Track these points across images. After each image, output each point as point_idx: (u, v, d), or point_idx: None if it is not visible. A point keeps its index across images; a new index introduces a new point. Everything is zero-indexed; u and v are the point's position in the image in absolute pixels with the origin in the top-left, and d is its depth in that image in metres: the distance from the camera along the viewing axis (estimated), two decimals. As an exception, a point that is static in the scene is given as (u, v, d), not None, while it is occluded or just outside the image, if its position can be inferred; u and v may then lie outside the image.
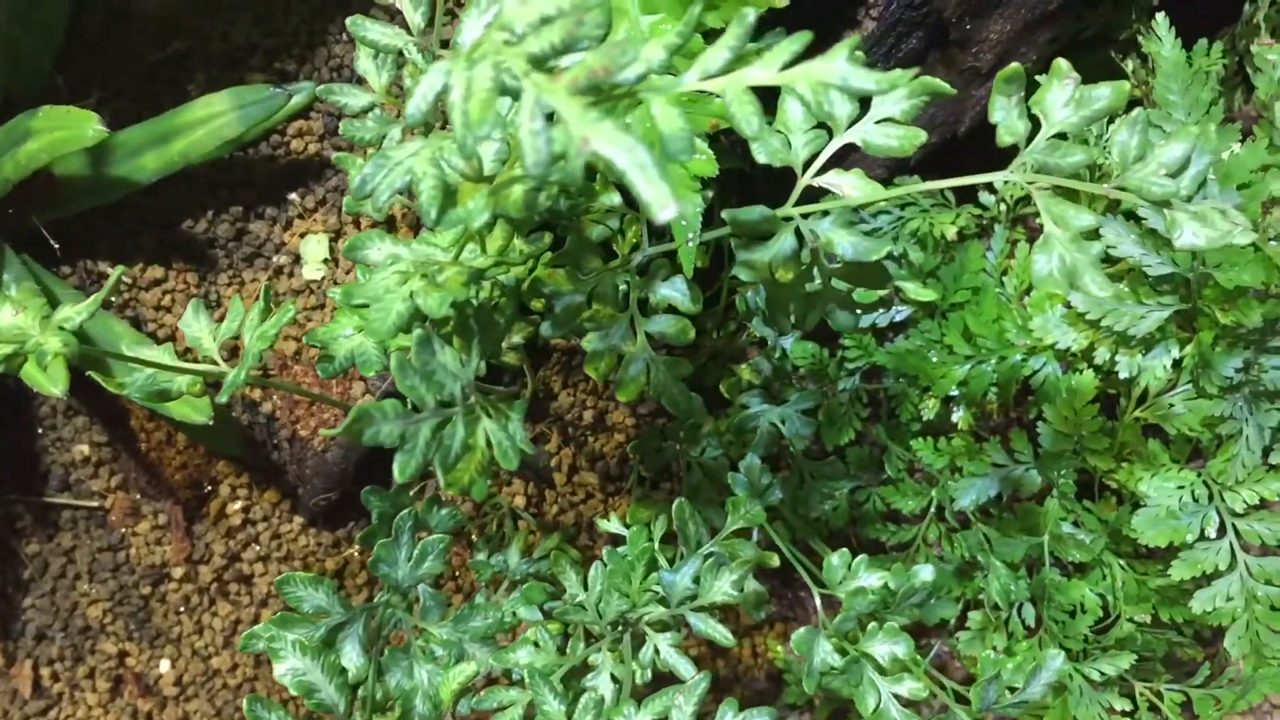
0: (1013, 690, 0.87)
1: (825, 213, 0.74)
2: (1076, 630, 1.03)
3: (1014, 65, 0.69)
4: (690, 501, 1.06)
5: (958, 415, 1.13)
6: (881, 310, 1.13)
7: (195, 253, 1.08)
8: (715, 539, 0.93)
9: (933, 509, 1.12)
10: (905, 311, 1.13)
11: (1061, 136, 0.71)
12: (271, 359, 1.11)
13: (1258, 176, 0.91)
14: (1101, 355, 1.06)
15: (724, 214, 0.72)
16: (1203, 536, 1.01)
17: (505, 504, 1.18)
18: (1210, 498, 1.02)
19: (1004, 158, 1.08)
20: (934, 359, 1.10)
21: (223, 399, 0.73)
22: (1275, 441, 0.99)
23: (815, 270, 0.75)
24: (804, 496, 1.06)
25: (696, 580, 0.91)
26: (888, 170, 1.13)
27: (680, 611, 0.90)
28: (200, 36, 1.09)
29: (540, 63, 0.51)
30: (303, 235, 1.09)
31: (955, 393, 1.12)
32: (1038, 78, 1.06)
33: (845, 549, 0.96)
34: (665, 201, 0.46)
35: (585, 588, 0.94)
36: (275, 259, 1.10)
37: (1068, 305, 1.05)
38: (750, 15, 0.57)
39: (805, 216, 0.74)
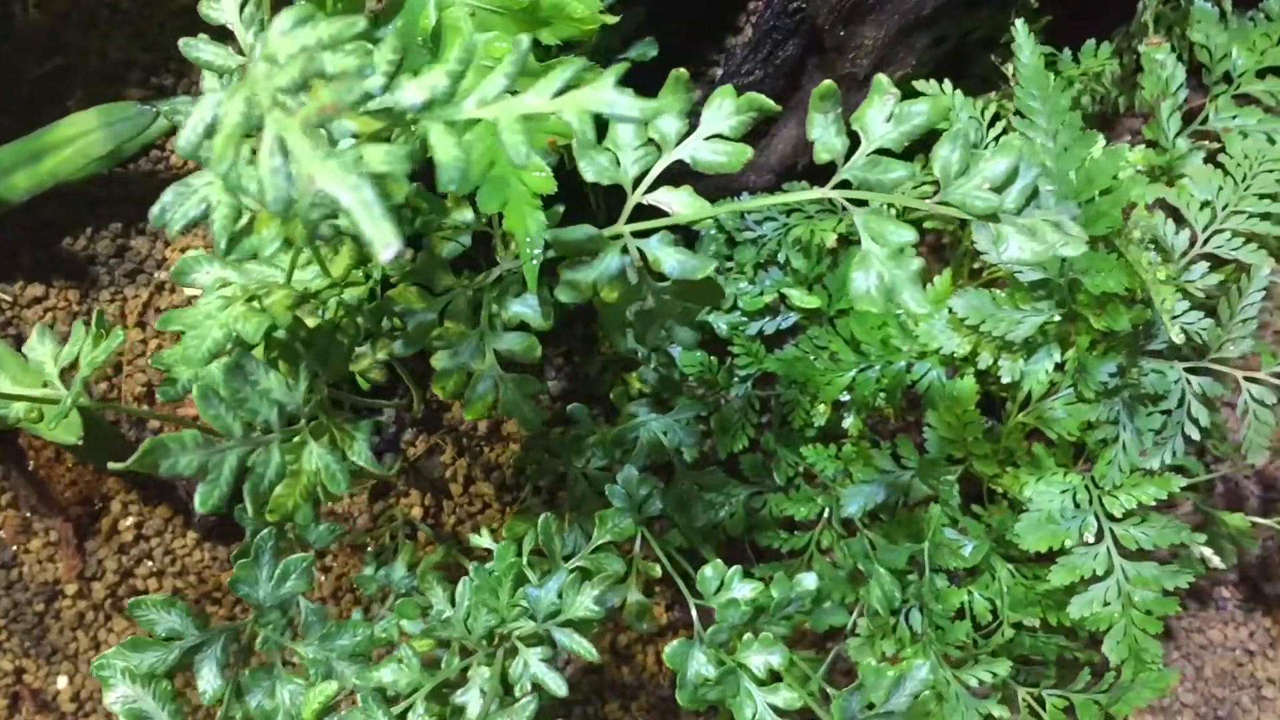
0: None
1: (653, 230, 0.74)
2: (955, 637, 1.03)
3: (827, 83, 0.69)
4: (576, 512, 1.06)
5: (848, 421, 1.12)
6: (769, 317, 1.13)
7: (76, 270, 1.08)
8: (581, 554, 0.93)
9: (826, 515, 1.12)
10: (793, 318, 1.13)
11: (884, 152, 0.71)
12: (159, 377, 1.11)
13: (1118, 182, 0.91)
14: (984, 360, 1.06)
15: (548, 235, 0.72)
16: (1081, 542, 1.01)
17: (400, 515, 1.18)
18: (1090, 502, 1.02)
19: (903, 156, 1.08)
20: (821, 366, 1.10)
21: (52, 427, 0.73)
22: (1154, 445, 0.99)
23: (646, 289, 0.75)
24: (688, 506, 1.06)
25: (561, 595, 0.90)
26: (775, 175, 1.12)
27: (546, 627, 0.90)
28: (79, 53, 1.08)
29: (290, 94, 0.51)
30: (184, 251, 1.08)
31: (846, 398, 1.12)
32: (916, 84, 1.06)
33: (719, 560, 0.96)
34: (387, 240, 0.45)
35: (454, 603, 0.93)
36: (157, 275, 1.09)
37: (951, 310, 1.04)
38: (524, 41, 0.57)
39: (639, 235, 0.74)
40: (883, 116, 0.70)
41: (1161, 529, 1.00)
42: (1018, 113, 0.92)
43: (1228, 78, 1.20)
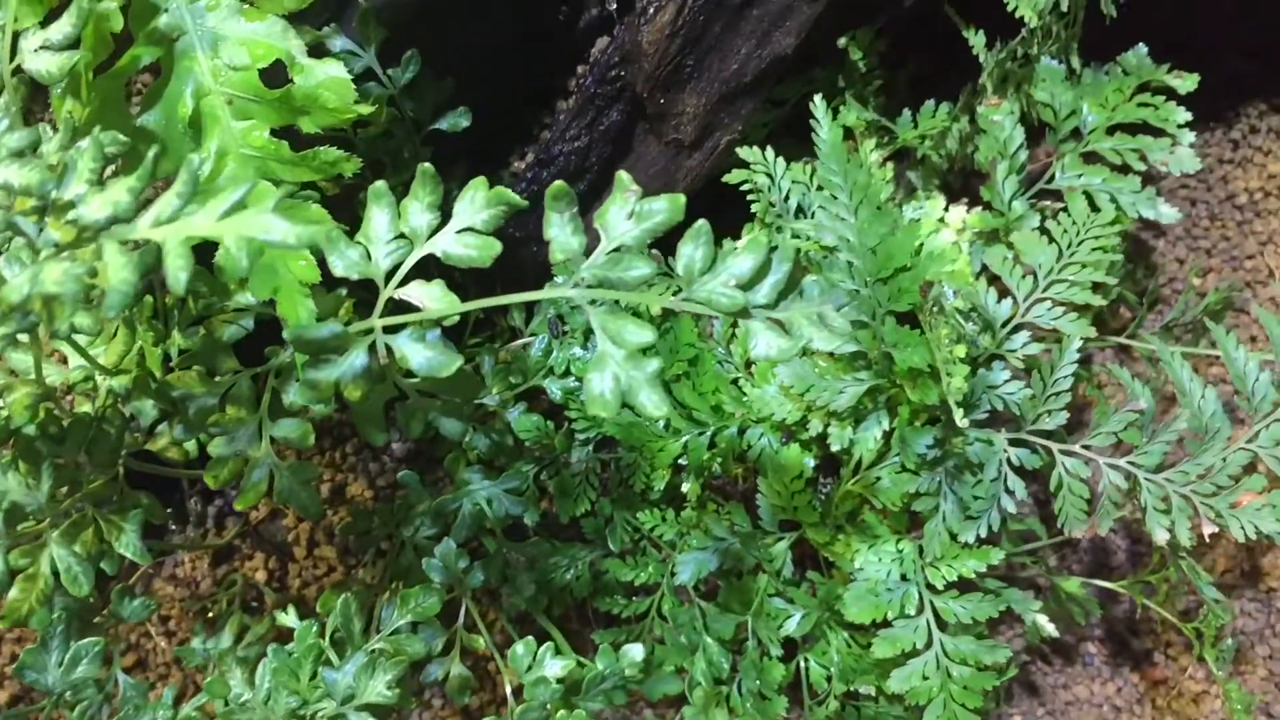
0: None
1: (404, 325, 0.73)
2: (775, 711, 1.02)
3: (559, 184, 0.68)
4: (403, 583, 1.05)
5: (687, 485, 1.11)
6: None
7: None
8: (380, 635, 0.92)
9: (665, 581, 1.11)
10: (627, 383, 1.12)
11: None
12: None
13: (917, 259, 0.90)
14: (815, 427, 1.05)
15: (285, 334, 0.71)
16: (903, 614, 1.00)
17: (242, 580, 1.17)
18: (916, 573, 1.01)
19: (741, 215, 1.07)
20: (655, 431, 1.09)
21: None
22: (966, 519, 0.98)
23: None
24: (514, 576, 1.05)
25: (358, 678, 0.89)
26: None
27: (343, 711, 0.89)
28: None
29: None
30: None
31: (685, 462, 1.11)
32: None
33: (530, 637, 0.95)
34: None
35: (253, 685, 0.92)
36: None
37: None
38: (195, 162, 0.56)
39: (392, 329, 0.73)
40: (624, 215, 0.69)
41: (979, 602, 0.99)
42: (819, 187, 0.92)
43: (1077, 135, 1.19)
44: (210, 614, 1.16)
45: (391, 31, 0.92)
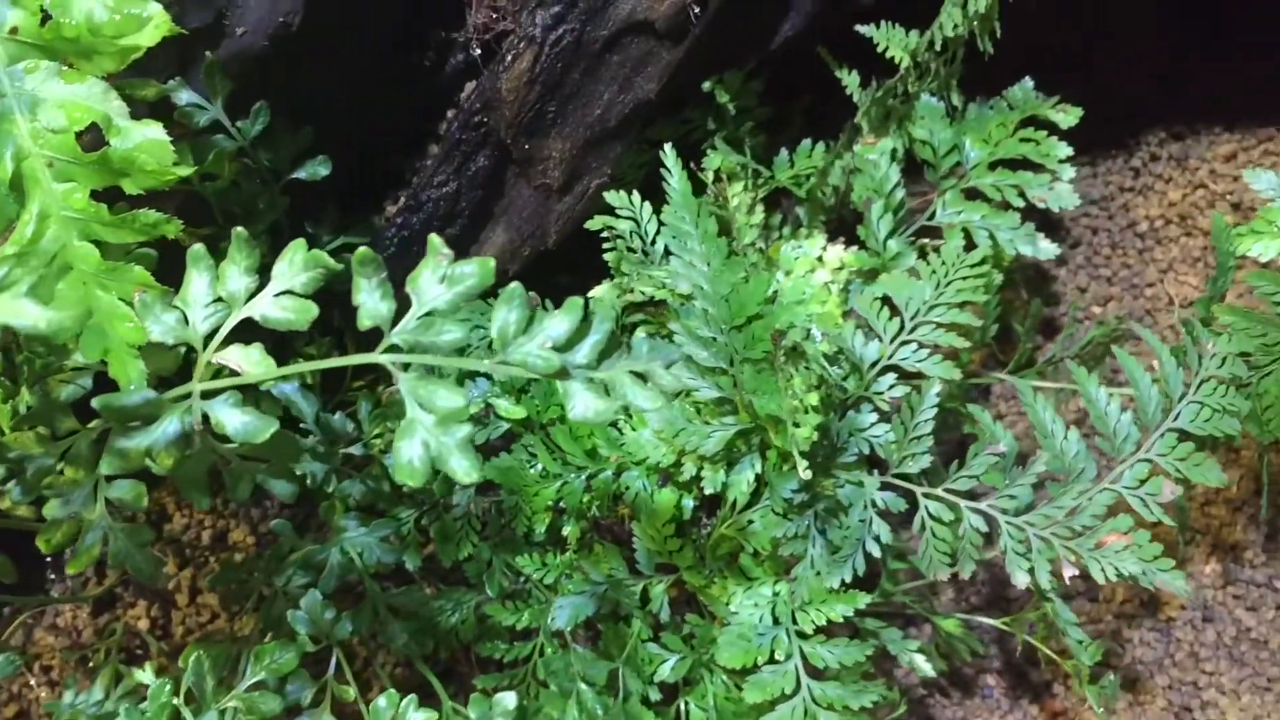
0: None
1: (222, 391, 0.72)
2: (647, 759, 1.01)
3: (363, 250, 0.67)
4: (275, 633, 1.04)
5: (567, 529, 1.11)
6: (479, 427, 1.11)
7: None
8: (232, 693, 0.91)
9: (543, 626, 1.10)
10: (505, 426, 1.11)
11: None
12: None
13: (769, 308, 0.90)
14: (689, 470, 1.05)
15: (94, 402, 0.70)
16: (773, 659, 1.00)
17: (121, 628, 1.15)
18: (786, 618, 1.01)
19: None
20: (532, 475, 1.09)
21: None
22: (832, 563, 0.98)
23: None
24: (384, 624, 1.04)
25: (209, 738, 0.88)
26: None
27: (195, 770, 0.88)
28: None
29: None
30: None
31: (565, 505, 1.10)
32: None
33: (392, 690, 0.95)
34: None
35: (107, 745, 0.91)
36: None
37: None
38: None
39: (209, 394, 0.72)
40: (436, 279, 0.69)
41: (846, 647, 0.98)
42: (674, 235, 0.91)
43: (958, 171, 1.20)
44: (91, 663, 1.15)
45: (242, 82, 0.91)
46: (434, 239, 0.69)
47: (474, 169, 1.03)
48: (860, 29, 1.06)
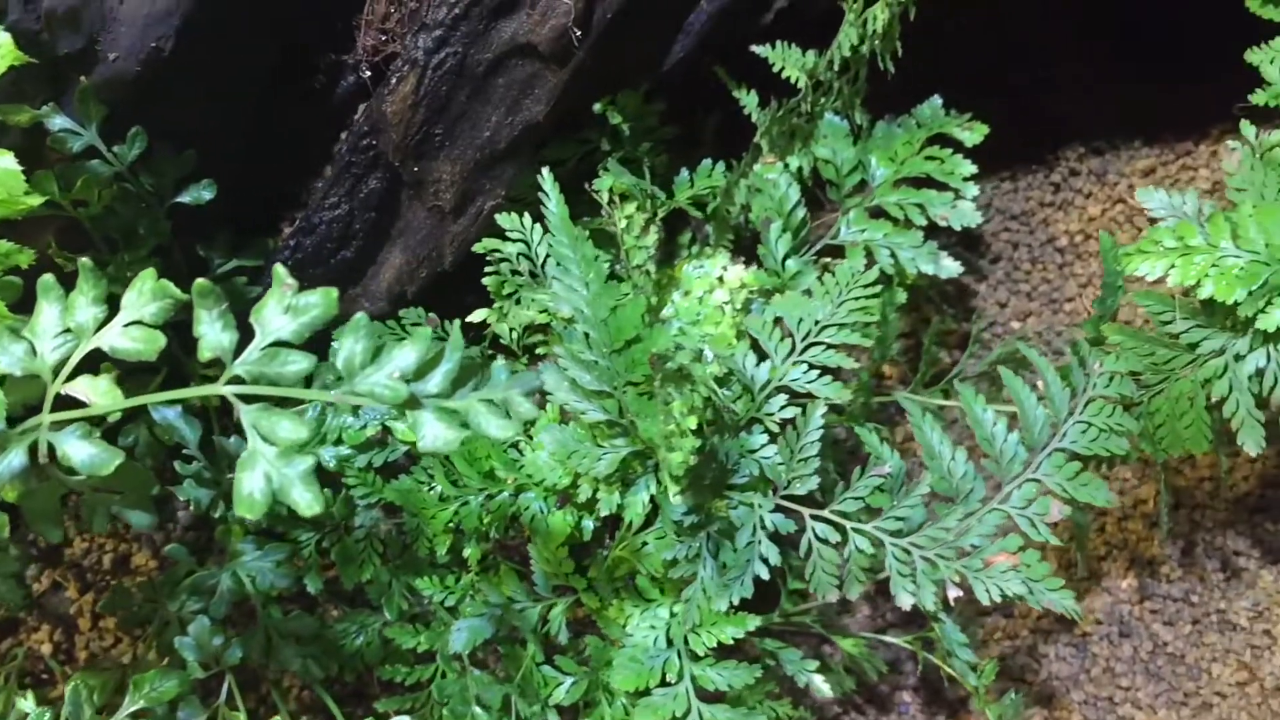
0: None
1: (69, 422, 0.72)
2: (536, 785, 1.01)
3: (201, 281, 0.67)
4: (170, 660, 1.03)
5: (469, 550, 1.10)
6: (377, 449, 1.11)
7: None
8: (111, 722, 0.90)
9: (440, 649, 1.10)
10: (403, 448, 1.11)
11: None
12: None
13: (647, 330, 0.90)
14: (585, 492, 1.05)
15: (-66, 436, 0.69)
16: (664, 682, 0.99)
17: (22, 653, 1.14)
18: (679, 640, 1.01)
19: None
20: (431, 496, 1.08)
21: None
22: (722, 586, 0.98)
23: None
24: (278, 648, 1.03)
25: (84, 768, 0.88)
26: (387, 303, 1.11)
27: (70, 800, 0.87)
28: None
29: None
30: None
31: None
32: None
33: (287, 715, 0.94)
34: None
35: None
36: None
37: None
38: None
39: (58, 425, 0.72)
40: (280, 310, 0.69)
41: (735, 670, 0.98)
42: (557, 262, 0.91)
43: (864, 189, 1.20)
44: (-8, 690, 1.14)
45: (117, 107, 0.91)
46: (278, 269, 0.69)
47: (366, 191, 1.03)
48: (755, 49, 1.06)
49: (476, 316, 1.01)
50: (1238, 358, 0.99)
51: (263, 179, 1.04)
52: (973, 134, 1.21)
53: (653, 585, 1.06)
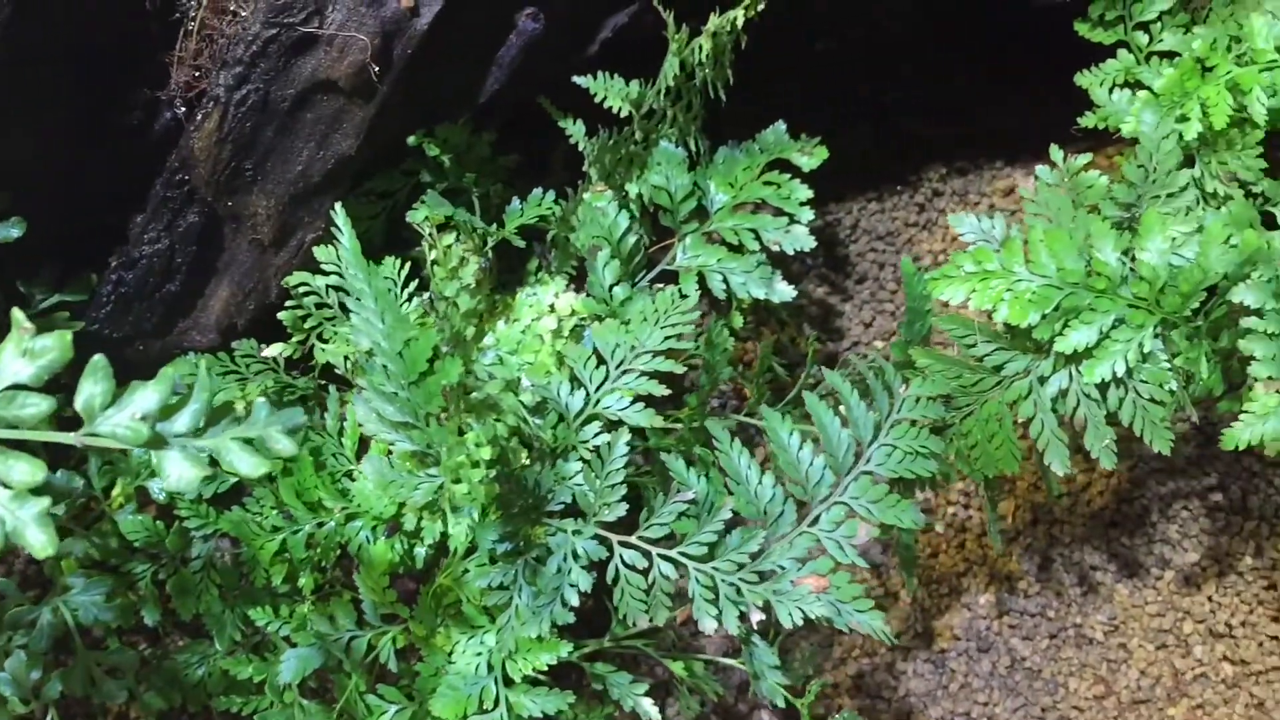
0: None
1: None
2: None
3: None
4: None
5: (303, 580, 1.11)
6: (207, 480, 1.11)
7: None
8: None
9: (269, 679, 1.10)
10: (232, 479, 1.12)
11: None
12: None
13: (440, 363, 0.91)
14: (410, 521, 1.05)
15: None
16: (481, 709, 1.00)
17: None
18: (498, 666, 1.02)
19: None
20: (260, 527, 1.09)
21: None
22: (534, 612, 0.99)
23: None
24: (99, 683, 1.04)
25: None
26: (219, 335, 1.11)
27: None
28: None
29: None
30: None
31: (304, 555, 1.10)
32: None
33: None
34: None
35: None
36: None
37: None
38: None
39: None
40: (18, 353, 0.69)
41: (547, 696, 0.99)
42: (355, 295, 0.92)
43: (704, 215, 1.21)
44: None
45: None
46: (16, 314, 0.70)
47: (185, 226, 1.04)
48: (578, 80, 1.08)
49: (271, 351, 1.02)
50: (1041, 380, 1.01)
51: (86, 215, 1.05)
52: (811, 159, 1.23)
53: (480, 613, 1.06)
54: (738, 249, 1.19)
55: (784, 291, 1.17)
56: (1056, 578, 1.38)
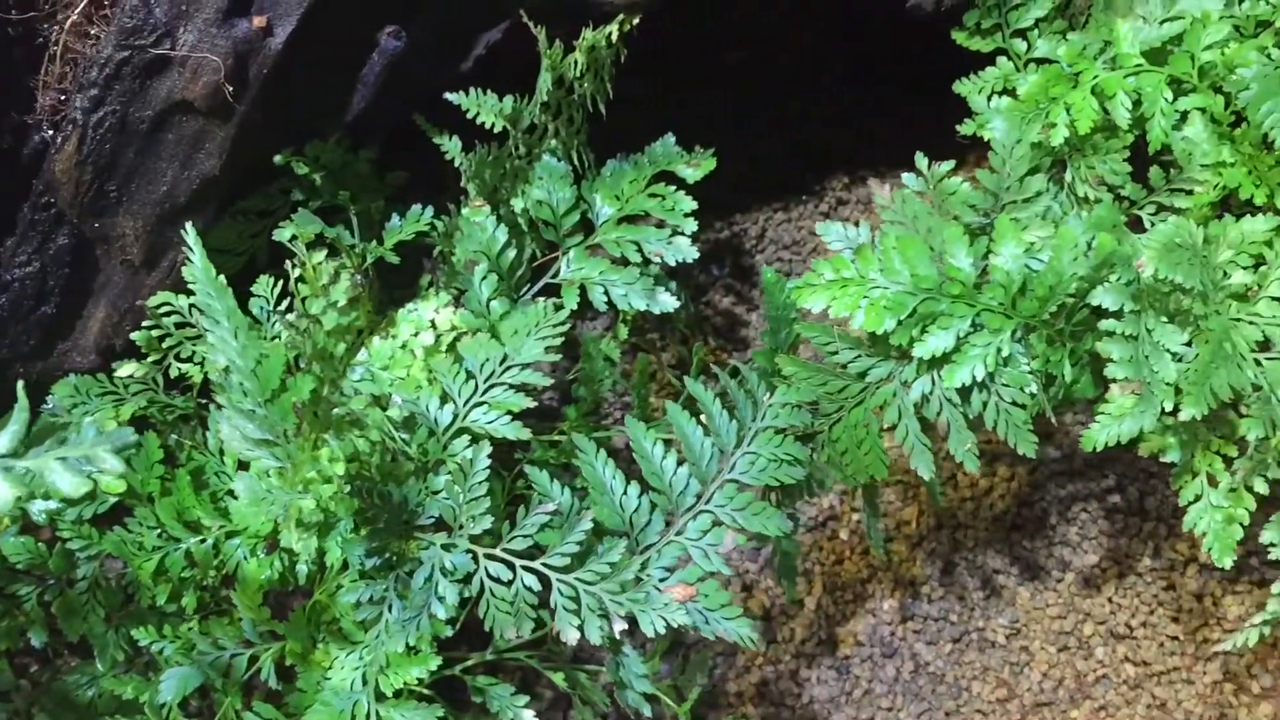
0: None
1: None
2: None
3: None
4: None
5: (186, 599, 1.11)
6: (88, 501, 1.12)
7: None
8: None
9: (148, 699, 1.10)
10: (112, 499, 1.12)
11: None
12: None
13: (292, 380, 0.91)
14: (286, 538, 1.06)
15: None
16: (353, 725, 1.00)
17: None
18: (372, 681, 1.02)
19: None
20: (140, 546, 1.09)
21: None
22: (400, 626, 0.99)
23: None
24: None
25: None
26: (98, 355, 1.12)
27: None
28: None
29: None
30: None
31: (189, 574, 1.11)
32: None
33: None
34: None
35: None
36: None
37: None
38: None
39: None
40: None
41: (415, 709, 0.99)
42: (209, 314, 0.93)
43: (590, 228, 1.22)
44: None
45: None
46: None
47: (55, 248, 1.04)
48: (449, 96, 1.09)
49: (124, 370, 1.02)
50: (905, 385, 1.01)
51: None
52: (696, 170, 1.24)
53: (358, 628, 1.07)
54: (624, 262, 1.19)
55: (667, 302, 1.18)
56: (960, 582, 1.39)
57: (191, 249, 0.91)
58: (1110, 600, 1.35)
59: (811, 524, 1.42)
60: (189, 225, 0.89)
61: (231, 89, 0.94)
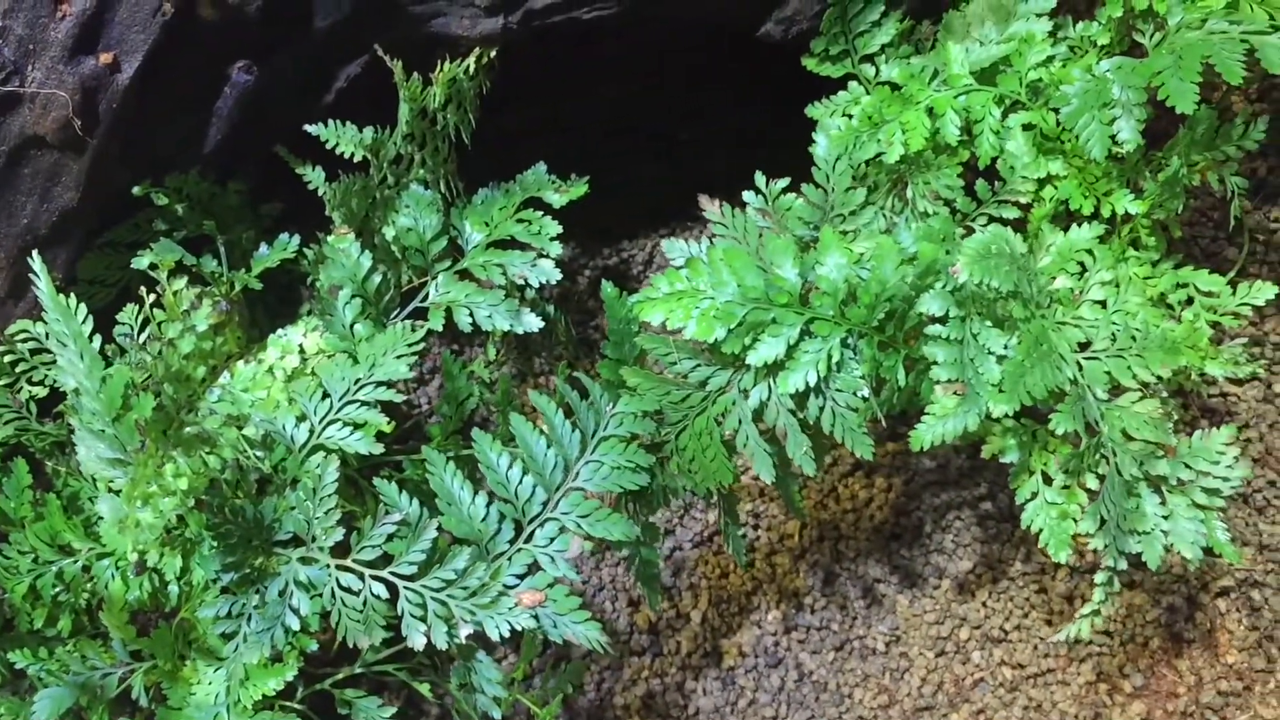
0: None
1: None
2: None
3: None
4: None
5: (61, 622, 1.14)
6: (-39, 528, 1.14)
7: None
8: None
9: (27, 721, 1.12)
10: (-13, 527, 1.15)
11: None
12: None
13: (135, 400, 0.95)
14: (152, 558, 1.08)
15: None
16: (215, 738, 1.03)
17: None
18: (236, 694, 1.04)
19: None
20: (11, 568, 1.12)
21: None
22: (253, 639, 1.02)
23: None
24: None
25: None
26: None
27: None
28: None
29: None
30: None
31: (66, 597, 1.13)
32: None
33: None
34: None
35: None
36: None
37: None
38: None
39: None
40: None
41: (272, 719, 1.02)
42: (57, 339, 0.96)
43: (460, 253, 1.26)
44: None
45: None
46: None
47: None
48: (308, 128, 1.13)
49: None
50: (744, 392, 1.06)
51: None
52: (563, 196, 1.28)
53: (222, 642, 1.09)
54: (491, 285, 1.23)
55: (531, 322, 1.22)
56: (841, 592, 1.42)
57: (38, 275, 0.95)
58: (985, 605, 1.39)
59: (697, 539, 1.45)
60: (35, 254, 0.93)
61: (81, 123, 0.98)
